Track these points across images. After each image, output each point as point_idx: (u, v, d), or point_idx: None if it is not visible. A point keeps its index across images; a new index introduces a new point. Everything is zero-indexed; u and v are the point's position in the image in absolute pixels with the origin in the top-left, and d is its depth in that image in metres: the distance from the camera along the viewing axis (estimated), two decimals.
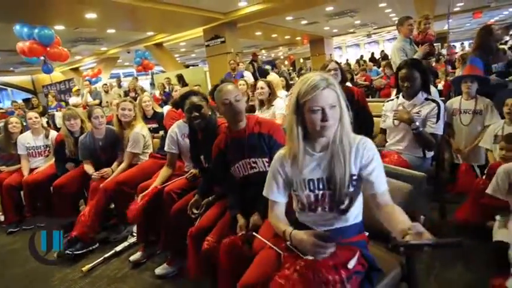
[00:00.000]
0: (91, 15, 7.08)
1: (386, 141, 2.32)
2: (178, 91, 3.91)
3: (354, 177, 1.11)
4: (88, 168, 2.77)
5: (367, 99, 4.65)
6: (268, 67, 8.31)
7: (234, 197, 1.68)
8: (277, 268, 1.10)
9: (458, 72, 5.21)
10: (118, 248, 2.49)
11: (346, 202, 1.12)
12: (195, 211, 1.81)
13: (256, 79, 6.06)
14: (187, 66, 15.41)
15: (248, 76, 6.28)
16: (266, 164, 1.59)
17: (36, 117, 3.29)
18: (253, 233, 1.42)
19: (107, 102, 7.00)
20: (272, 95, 3.12)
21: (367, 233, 1.24)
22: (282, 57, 22.82)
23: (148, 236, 2.32)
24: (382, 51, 13.71)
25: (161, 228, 2.14)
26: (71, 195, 2.84)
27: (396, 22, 3.78)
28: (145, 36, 10.98)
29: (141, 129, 2.78)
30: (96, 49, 11.68)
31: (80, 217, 2.48)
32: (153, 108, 3.59)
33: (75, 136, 2.96)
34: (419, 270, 1.78)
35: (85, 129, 2.99)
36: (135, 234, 2.51)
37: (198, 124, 1.90)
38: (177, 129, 2.26)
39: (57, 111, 7.08)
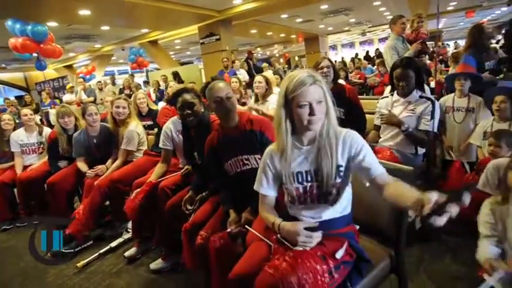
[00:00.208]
0: (85, 12, 7.01)
1: (380, 138, 2.36)
2: (172, 87, 3.89)
3: (341, 168, 1.15)
4: (81, 166, 2.77)
5: (362, 96, 4.72)
6: (265, 64, 8.31)
7: (226, 193, 1.70)
8: (267, 260, 1.13)
9: (451, 71, 5.29)
10: (113, 244, 2.50)
11: (334, 192, 1.15)
12: (189, 207, 1.83)
13: (251, 77, 6.09)
14: (182, 64, 15.38)
15: (242, 74, 6.30)
16: (258, 161, 1.61)
17: (31, 114, 3.29)
18: (246, 226, 1.45)
19: (101, 99, 6.96)
20: (268, 90, 3.15)
21: (357, 226, 1.28)
22: (277, 55, 22.84)
23: (143, 232, 2.33)
24: (377, 49, 13.78)
25: (156, 224, 2.15)
26: (65, 192, 2.83)
27: (389, 20, 3.82)
28: (140, 33, 10.92)
29: (135, 126, 2.78)
30: (90, 46, 11.59)
31: (75, 215, 2.48)
32: (147, 105, 3.59)
33: (69, 134, 2.95)
34: (410, 262, 1.83)
35: (79, 127, 2.98)
36: (130, 230, 2.52)
37: (191, 121, 1.92)
38: (172, 125, 2.28)
39: (51, 108, 7.02)
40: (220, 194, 1.76)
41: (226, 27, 9.37)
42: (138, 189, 2.17)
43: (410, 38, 4.05)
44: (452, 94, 2.70)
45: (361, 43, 21.92)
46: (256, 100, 3.24)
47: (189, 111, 1.89)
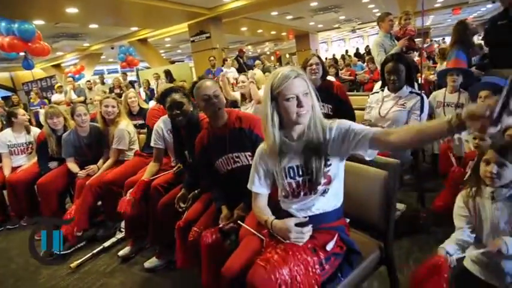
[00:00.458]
0: (72, 10, 6.90)
1: None
2: (161, 86, 3.86)
3: (328, 158, 1.15)
4: (72, 166, 2.75)
5: (352, 93, 4.78)
6: (258, 62, 8.29)
7: (218, 190, 1.72)
8: (259, 253, 1.15)
9: (439, 67, 5.38)
10: (106, 244, 2.50)
11: (324, 181, 1.16)
12: (182, 204, 1.84)
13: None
14: (172, 62, 15.26)
15: (233, 72, 6.30)
16: (249, 158, 1.62)
17: (23, 114, 3.27)
18: (239, 222, 1.47)
19: (90, 99, 6.89)
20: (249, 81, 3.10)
21: (348, 220, 1.31)
22: (268, 52, 22.84)
23: (137, 231, 2.32)
24: (367, 46, 13.90)
25: (149, 223, 2.16)
26: (56, 193, 2.81)
27: (377, 18, 3.87)
28: (129, 31, 10.80)
29: (126, 125, 2.77)
30: (78, 45, 11.40)
31: (67, 215, 2.47)
32: (138, 104, 3.57)
33: (58, 134, 2.91)
34: (399, 254, 1.89)
35: (68, 127, 2.95)
36: (123, 229, 2.52)
37: (180, 121, 1.92)
38: (163, 124, 2.28)
39: (40, 108, 6.92)
40: (212, 192, 1.77)
41: (217, 25, 9.33)
42: (131, 190, 2.16)
43: (398, 35, 4.12)
44: (444, 89, 2.76)
45: (352, 38, 22.05)
46: (244, 99, 3.21)
47: (178, 111, 1.90)
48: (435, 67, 5.88)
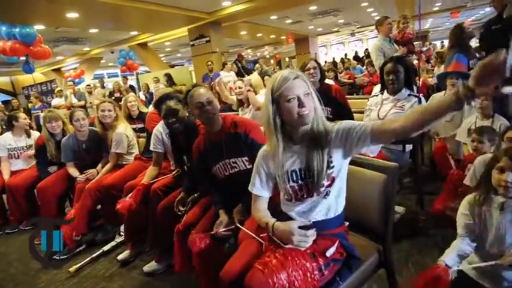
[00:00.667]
0: (73, 15, 6.94)
1: None
2: (159, 90, 3.85)
3: (331, 159, 1.14)
4: (72, 171, 2.75)
5: (351, 96, 4.79)
6: (258, 66, 8.32)
7: (216, 195, 1.72)
8: (258, 257, 1.14)
9: (437, 70, 5.40)
10: (106, 248, 2.49)
11: (326, 183, 1.15)
12: (181, 208, 1.84)
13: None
14: (172, 66, 15.30)
15: (232, 75, 6.33)
16: (246, 163, 1.62)
17: (24, 118, 3.28)
18: (237, 225, 1.47)
19: (90, 103, 6.91)
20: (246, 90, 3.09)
21: (347, 223, 1.31)
22: (267, 56, 22.92)
23: (136, 235, 2.32)
24: (366, 49, 13.95)
25: (148, 227, 2.16)
26: (55, 197, 2.80)
27: (375, 22, 3.90)
28: (129, 36, 10.83)
29: (124, 129, 2.76)
30: (78, 49, 11.44)
31: (66, 219, 2.47)
32: (138, 108, 3.58)
33: (57, 139, 2.91)
34: (399, 257, 1.88)
35: (67, 131, 2.95)
36: (122, 233, 2.52)
37: (176, 128, 1.93)
38: (162, 128, 2.27)
39: (41, 112, 6.94)
40: (210, 196, 1.77)
41: (216, 29, 9.38)
42: (131, 193, 2.16)
43: (397, 39, 4.15)
44: (443, 92, 2.77)
45: (352, 42, 22.13)
46: (241, 105, 3.18)
47: (174, 119, 1.91)
48: (433, 70, 5.91)
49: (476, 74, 0.78)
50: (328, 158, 1.14)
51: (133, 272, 2.20)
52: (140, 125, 3.48)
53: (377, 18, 4.16)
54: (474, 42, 3.76)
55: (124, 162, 2.79)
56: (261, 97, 3.14)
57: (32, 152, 3.20)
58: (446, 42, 13.54)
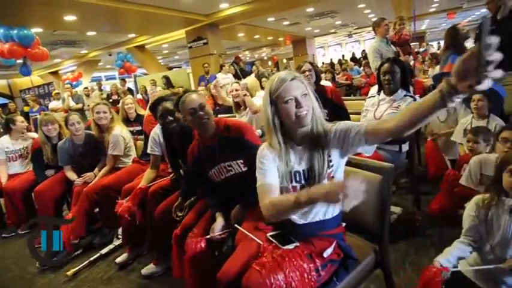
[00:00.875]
0: (70, 18, 6.94)
1: None
2: (155, 93, 3.85)
3: (330, 158, 1.15)
4: (70, 174, 2.74)
5: (348, 97, 4.81)
6: (254, 68, 8.33)
7: (213, 199, 1.72)
8: (256, 258, 1.15)
9: (431, 71, 5.44)
10: (103, 251, 2.48)
11: (325, 181, 1.14)
12: (179, 213, 1.84)
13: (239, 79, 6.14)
14: (170, 68, 15.32)
15: (230, 77, 6.34)
16: (241, 166, 1.62)
17: (22, 121, 3.27)
18: (236, 226, 1.47)
19: (88, 105, 6.90)
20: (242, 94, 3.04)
21: (344, 224, 1.32)
22: (265, 57, 22.97)
23: (134, 238, 2.32)
24: (363, 50, 14.03)
25: (146, 229, 2.16)
26: (53, 201, 2.79)
27: (372, 24, 3.93)
28: (126, 38, 10.85)
29: (120, 131, 2.75)
30: (76, 52, 11.44)
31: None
32: (135, 110, 3.58)
33: (53, 142, 2.89)
34: (396, 257, 1.89)
35: (63, 135, 2.93)
36: (120, 236, 2.51)
37: (173, 128, 1.93)
38: (159, 130, 2.27)
39: (39, 114, 6.93)
40: (207, 199, 1.77)
41: (214, 31, 9.40)
42: (129, 196, 2.16)
43: (394, 40, 4.18)
44: None
45: (349, 43, 22.22)
46: (238, 107, 3.14)
47: (171, 118, 1.91)
48: (428, 71, 5.95)
49: (456, 69, 0.78)
50: (328, 158, 1.15)
51: (132, 274, 2.20)
52: (138, 128, 3.47)
53: (374, 19, 4.19)
54: (470, 43, 3.79)
55: (121, 166, 2.78)
56: (258, 99, 3.15)
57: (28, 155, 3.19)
58: (442, 43, 13.65)
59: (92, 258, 2.41)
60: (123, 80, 8.84)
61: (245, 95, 2.98)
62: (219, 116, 3.43)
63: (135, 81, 10.84)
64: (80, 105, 6.95)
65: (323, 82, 3.83)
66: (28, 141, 3.26)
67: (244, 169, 1.61)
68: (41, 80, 12.77)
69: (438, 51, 7.21)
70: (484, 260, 1.29)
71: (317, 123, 1.15)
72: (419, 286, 1.23)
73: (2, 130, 3.60)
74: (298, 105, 1.10)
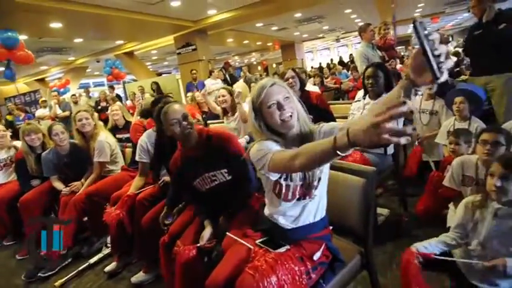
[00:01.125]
0: (56, 25, 6.86)
1: None
2: (146, 99, 3.82)
3: None
4: (57, 185, 2.69)
5: (336, 101, 4.88)
6: (242, 73, 8.37)
7: (200, 207, 1.72)
8: (247, 261, 1.17)
9: None
10: (92, 260, 2.45)
11: (315, 183, 1.17)
12: (166, 222, 1.83)
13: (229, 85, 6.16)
14: (159, 74, 15.26)
15: (219, 83, 6.36)
16: (225, 175, 1.63)
17: (4, 131, 3.19)
18: (228, 233, 1.48)
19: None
20: (235, 102, 3.01)
21: (331, 227, 1.35)
22: (255, 62, 23.09)
23: (123, 246, 2.30)
24: (351, 54, 14.24)
25: (135, 237, 2.14)
26: (40, 211, 2.74)
27: (358, 29, 4.01)
28: (114, 45, 10.77)
29: (105, 137, 2.71)
30: (63, 59, 11.29)
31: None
32: (124, 117, 3.55)
33: (37, 152, 2.82)
34: (383, 258, 1.92)
35: (47, 144, 2.86)
36: (109, 245, 2.49)
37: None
38: (147, 138, 2.28)
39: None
40: (195, 206, 1.78)
41: (202, 37, 9.42)
42: (117, 204, 2.15)
43: (379, 44, 4.28)
44: (420, 96, 2.87)
45: (337, 47, 22.52)
46: (225, 113, 3.10)
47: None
48: None
49: (410, 66, 0.81)
50: None
51: (121, 283, 2.18)
52: (126, 135, 3.45)
53: (360, 24, 4.28)
54: (451, 46, 3.90)
55: (109, 174, 2.74)
56: (246, 105, 3.15)
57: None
58: None
59: (80, 268, 2.38)
60: (111, 87, 8.78)
61: (238, 103, 2.95)
62: (208, 122, 3.45)
63: (124, 88, 10.75)
64: (67, 113, 6.84)
65: (312, 87, 3.91)
66: (12, 151, 3.19)
67: (228, 178, 1.63)
68: (27, 88, 12.56)
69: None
70: (467, 255, 1.36)
71: (303, 125, 1.18)
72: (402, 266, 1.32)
73: None
74: (281, 108, 1.11)
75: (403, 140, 0.66)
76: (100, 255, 2.51)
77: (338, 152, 0.80)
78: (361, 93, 2.83)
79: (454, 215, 1.91)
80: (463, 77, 3.58)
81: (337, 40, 18.04)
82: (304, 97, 2.49)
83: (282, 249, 1.18)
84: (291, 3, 7.75)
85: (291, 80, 2.50)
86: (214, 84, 6.27)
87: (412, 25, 0.67)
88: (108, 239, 2.49)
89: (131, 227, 2.14)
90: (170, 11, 7.32)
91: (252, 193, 1.68)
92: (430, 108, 2.77)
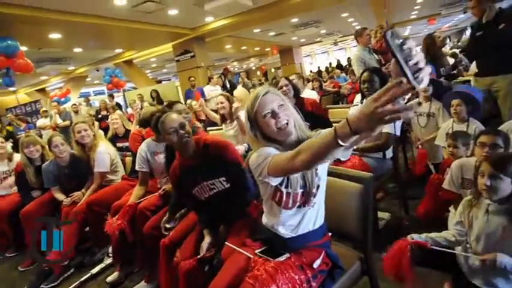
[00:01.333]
0: (55, 36, 6.93)
1: None
2: (145, 108, 3.83)
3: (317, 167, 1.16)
4: (58, 196, 2.70)
5: (336, 105, 4.89)
6: (240, 79, 8.42)
7: (201, 215, 1.73)
8: (247, 271, 1.16)
9: None
10: (94, 271, 2.45)
11: (314, 191, 1.18)
12: (167, 226, 1.84)
13: (228, 91, 6.19)
14: (159, 82, 15.32)
15: (218, 89, 6.39)
16: (224, 183, 1.64)
17: (2, 142, 3.18)
18: (227, 243, 1.48)
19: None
20: (235, 108, 2.97)
21: (330, 233, 1.35)
22: (253, 68, 23.18)
23: (124, 255, 2.30)
24: (349, 58, 14.29)
25: (136, 247, 2.15)
26: None
27: (354, 33, 4.04)
28: (114, 53, 10.84)
29: (105, 147, 2.72)
30: (62, 68, 11.37)
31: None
32: (124, 126, 3.56)
33: (36, 164, 2.82)
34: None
35: (46, 156, 2.86)
36: (110, 255, 2.49)
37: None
38: (146, 147, 2.29)
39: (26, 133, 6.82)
40: (196, 213, 1.78)
41: (200, 44, 9.48)
42: (118, 214, 2.15)
43: (376, 48, 4.30)
44: (417, 99, 2.89)
45: (335, 51, 22.63)
46: (224, 120, 3.08)
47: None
48: None
49: (392, 72, 0.77)
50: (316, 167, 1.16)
51: None
52: (126, 144, 3.45)
53: (357, 27, 4.31)
54: (448, 47, 3.92)
55: (108, 184, 2.74)
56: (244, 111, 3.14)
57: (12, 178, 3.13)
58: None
59: (82, 279, 2.38)
60: (110, 96, 8.82)
61: (237, 117, 2.86)
62: (208, 129, 3.46)
63: (124, 96, 10.80)
64: (67, 122, 6.88)
65: (309, 92, 3.92)
66: (12, 163, 3.19)
67: (227, 186, 1.63)
68: (27, 98, 12.62)
69: None
70: (464, 251, 1.39)
71: (301, 132, 1.18)
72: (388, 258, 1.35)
73: None
74: (275, 116, 1.11)
75: (410, 114, 0.65)
76: (102, 265, 2.51)
77: (340, 142, 0.77)
78: (359, 97, 2.85)
79: (455, 217, 1.93)
80: (460, 78, 3.58)
81: (335, 44, 18.12)
82: (299, 104, 2.51)
83: (282, 258, 1.17)
84: (286, 9, 7.80)
85: (284, 88, 2.52)
86: (213, 90, 6.31)
87: (388, 33, 0.65)
88: (110, 249, 2.49)
89: (133, 237, 2.14)
90: (168, 19, 7.38)
91: (251, 201, 1.68)
92: (427, 110, 2.78)
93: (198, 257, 1.52)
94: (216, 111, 3.29)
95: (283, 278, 1.09)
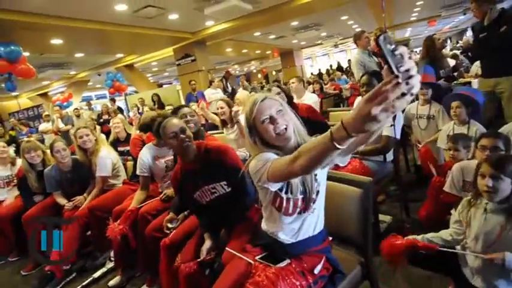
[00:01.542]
0: (57, 41, 6.98)
1: None
2: (146, 113, 3.85)
3: (316, 172, 1.16)
4: (60, 200, 2.71)
5: (336, 108, 4.90)
6: (240, 83, 8.44)
7: (203, 219, 1.73)
8: (247, 276, 1.16)
9: None
10: (96, 275, 2.46)
11: (314, 196, 1.17)
12: (169, 225, 1.84)
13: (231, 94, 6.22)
14: (160, 85, 15.38)
15: (219, 93, 6.40)
16: (225, 187, 1.65)
17: (4, 147, 3.19)
18: (227, 249, 1.48)
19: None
20: (235, 112, 2.93)
21: (330, 238, 1.35)
22: (254, 70, 23.24)
23: (126, 260, 2.30)
24: (349, 60, 14.31)
25: (138, 251, 2.15)
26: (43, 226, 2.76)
27: (353, 36, 4.05)
28: (115, 58, 10.90)
29: (107, 153, 2.73)
30: (64, 73, 11.43)
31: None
32: (125, 130, 3.58)
33: (38, 170, 2.84)
34: (386, 267, 1.91)
35: (47, 161, 2.87)
36: (112, 259, 2.49)
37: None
38: (148, 152, 2.30)
39: (28, 137, 6.85)
40: (197, 218, 1.79)
41: (201, 48, 9.52)
42: (120, 219, 2.15)
43: (375, 50, 4.30)
44: (416, 102, 2.89)
45: (336, 53, 22.65)
46: (225, 124, 3.08)
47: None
48: None
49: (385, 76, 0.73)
50: (315, 172, 1.16)
51: None
52: (128, 148, 3.46)
53: (358, 29, 4.32)
54: (449, 49, 3.92)
55: (110, 189, 2.75)
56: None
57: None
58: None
59: (84, 283, 2.38)
60: (112, 100, 8.86)
61: (237, 121, 2.86)
62: (209, 132, 3.46)
63: (126, 100, 10.84)
64: (69, 127, 6.91)
65: (310, 95, 3.92)
66: (16, 167, 3.21)
67: (228, 190, 1.64)
68: (30, 103, 12.69)
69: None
70: (463, 249, 1.41)
71: (301, 139, 1.17)
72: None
73: None
74: (274, 122, 1.11)
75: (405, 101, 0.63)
76: (104, 269, 2.52)
77: (336, 145, 0.75)
78: (358, 99, 2.86)
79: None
80: (461, 80, 3.58)
81: (336, 46, 18.15)
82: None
83: (283, 264, 1.17)
84: (287, 12, 7.83)
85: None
86: (214, 94, 6.31)
87: (381, 38, 0.64)
88: (112, 253, 2.49)
89: (134, 241, 2.15)
90: (168, 23, 7.42)
91: (251, 205, 1.69)
92: (427, 113, 2.78)
93: (198, 260, 1.52)
94: (217, 114, 3.29)
95: (284, 284, 1.09)
